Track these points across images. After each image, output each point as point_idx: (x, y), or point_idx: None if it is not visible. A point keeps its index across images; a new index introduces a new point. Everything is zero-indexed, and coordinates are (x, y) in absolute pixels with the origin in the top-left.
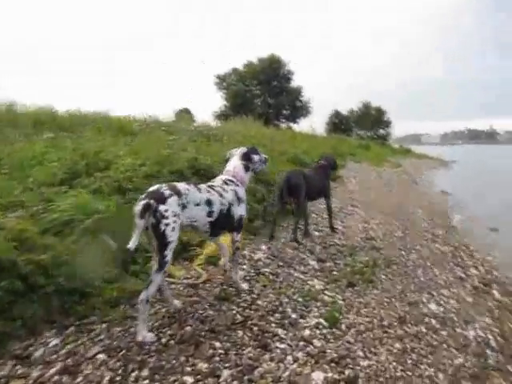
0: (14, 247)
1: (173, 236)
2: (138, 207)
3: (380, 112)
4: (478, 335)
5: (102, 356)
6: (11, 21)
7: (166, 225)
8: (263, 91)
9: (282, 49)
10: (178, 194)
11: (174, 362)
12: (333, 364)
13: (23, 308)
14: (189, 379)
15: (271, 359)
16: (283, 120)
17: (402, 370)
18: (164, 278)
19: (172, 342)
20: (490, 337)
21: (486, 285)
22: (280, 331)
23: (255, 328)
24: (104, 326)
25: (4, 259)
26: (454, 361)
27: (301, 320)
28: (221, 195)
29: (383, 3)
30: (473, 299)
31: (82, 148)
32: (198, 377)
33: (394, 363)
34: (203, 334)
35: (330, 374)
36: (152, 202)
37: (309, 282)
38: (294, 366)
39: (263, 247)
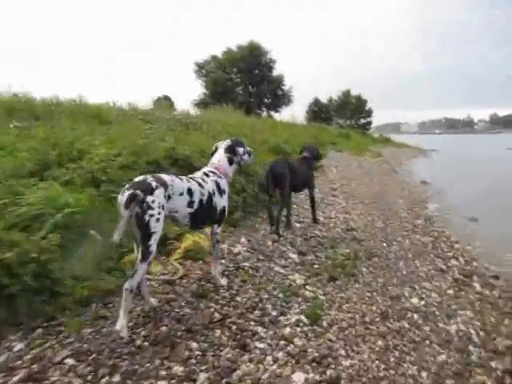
0: None
1: (157, 227)
2: (124, 197)
3: (360, 101)
4: (459, 329)
5: (70, 361)
6: (10, 20)
7: (151, 215)
8: (244, 79)
9: (264, 37)
10: (164, 185)
11: (148, 365)
12: (314, 364)
13: None
14: None
15: (250, 360)
16: (265, 109)
17: (384, 369)
18: (145, 280)
19: (146, 343)
20: (472, 331)
21: (466, 276)
22: (260, 329)
23: (234, 327)
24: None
25: None
26: (437, 358)
27: (281, 317)
28: (200, 185)
29: None
30: (454, 292)
31: (54, 137)
32: (173, 381)
33: (377, 362)
34: (179, 334)
35: (311, 375)
36: (138, 192)
37: (289, 277)
38: (274, 366)
39: (243, 240)
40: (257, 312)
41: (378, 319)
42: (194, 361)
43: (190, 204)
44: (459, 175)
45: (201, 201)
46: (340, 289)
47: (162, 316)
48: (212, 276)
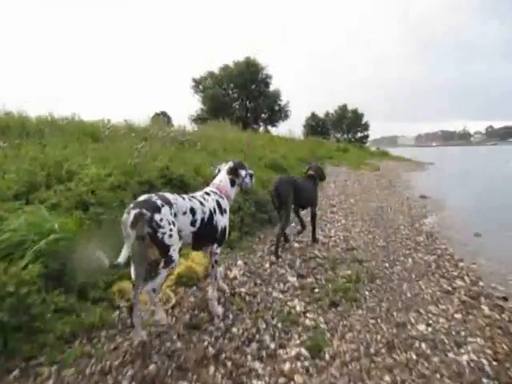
0: None
1: (172, 241)
2: (130, 217)
3: (356, 114)
4: (471, 360)
5: None
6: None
7: (163, 233)
8: (241, 95)
9: (259, 52)
10: (169, 203)
11: None
12: None
13: None
14: None
15: None
16: (262, 124)
17: None
18: (139, 299)
19: None
20: (484, 361)
21: (473, 298)
22: (257, 365)
23: (229, 363)
24: (54, 368)
25: None
26: None
27: (280, 350)
28: (201, 203)
29: (360, 6)
30: (462, 316)
31: (42, 157)
32: None
33: None
34: (170, 372)
35: None
36: (144, 211)
37: (288, 303)
38: None
39: (239, 262)
40: (254, 345)
41: (383, 350)
42: None
43: (193, 223)
44: (459, 189)
45: (202, 219)
46: (342, 315)
47: (151, 352)
48: (209, 299)
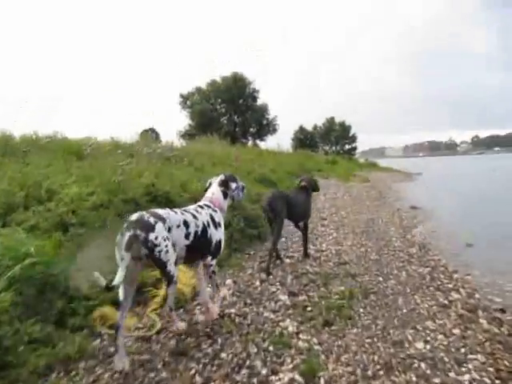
0: None
1: (168, 256)
2: (124, 239)
3: (344, 127)
4: (473, 379)
5: None
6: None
7: (160, 251)
8: (229, 110)
9: (244, 66)
10: (162, 219)
11: None
12: None
13: None
14: None
15: None
16: (250, 138)
17: None
18: (123, 327)
19: None
20: (487, 380)
21: (470, 311)
22: None
23: None
24: None
25: None
26: None
27: (272, 377)
28: (194, 216)
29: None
30: (460, 331)
31: (21, 177)
32: None
33: None
34: None
35: None
36: (139, 232)
37: (280, 324)
38: None
39: (228, 281)
40: (244, 371)
41: (381, 372)
42: None
43: (187, 236)
44: (446, 198)
45: (196, 232)
46: (337, 335)
47: None
48: (216, 300)
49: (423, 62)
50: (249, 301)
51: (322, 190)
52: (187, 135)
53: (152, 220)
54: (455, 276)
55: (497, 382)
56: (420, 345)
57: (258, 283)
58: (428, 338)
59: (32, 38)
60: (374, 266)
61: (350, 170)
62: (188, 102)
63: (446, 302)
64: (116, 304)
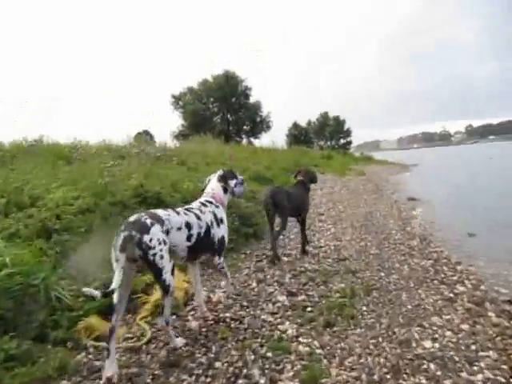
0: None
1: (164, 262)
2: (119, 240)
3: (338, 121)
4: (486, 378)
5: None
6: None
7: (154, 254)
8: (222, 108)
9: (244, 66)
10: (160, 221)
11: None
12: None
13: None
14: None
15: None
16: (244, 136)
17: None
18: (115, 331)
19: None
20: (502, 379)
21: (477, 304)
22: None
23: None
24: None
25: None
26: None
27: None
28: (198, 217)
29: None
30: (469, 326)
31: (2, 183)
32: None
33: None
34: None
35: None
36: (134, 233)
37: (279, 327)
38: None
39: (223, 283)
40: (241, 382)
41: (389, 376)
42: None
43: (189, 238)
44: (444, 188)
45: (199, 234)
46: (339, 337)
47: None
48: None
49: (414, 55)
50: (245, 303)
51: (318, 185)
52: (181, 136)
53: (149, 221)
54: (459, 268)
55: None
56: (428, 343)
57: (254, 284)
58: (436, 336)
59: (32, 38)
60: (374, 261)
61: (346, 164)
62: (180, 103)
63: (451, 295)
64: (102, 313)
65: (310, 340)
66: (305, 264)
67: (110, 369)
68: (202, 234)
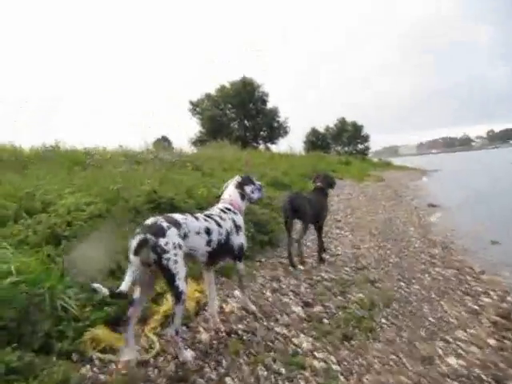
0: None
1: (177, 267)
2: (134, 243)
3: (356, 127)
4: None
5: None
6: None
7: (168, 259)
8: (239, 114)
9: (244, 66)
10: (177, 224)
11: None
12: None
13: None
14: None
15: None
16: (261, 142)
17: None
18: (133, 321)
19: None
20: None
21: (504, 318)
22: None
23: None
24: None
25: None
26: None
27: None
28: (218, 224)
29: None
30: (496, 342)
31: (13, 188)
32: None
33: None
34: None
35: None
36: (149, 236)
37: (293, 340)
38: None
39: (237, 293)
40: None
41: None
42: None
43: (209, 243)
44: (465, 194)
45: (219, 240)
46: (357, 352)
47: None
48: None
49: (431, 56)
50: (259, 314)
51: (335, 191)
52: (198, 142)
53: (165, 225)
54: (483, 277)
55: None
56: (452, 360)
57: (269, 293)
58: (460, 352)
59: (32, 38)
60: (394, 270)
61: (364, 170)
62: (198, 109)
63: (476, 307)
64: (110, 323)
65: (326, 355)
66: (321, 273)
67: (128, 354)
68: (222, 241)
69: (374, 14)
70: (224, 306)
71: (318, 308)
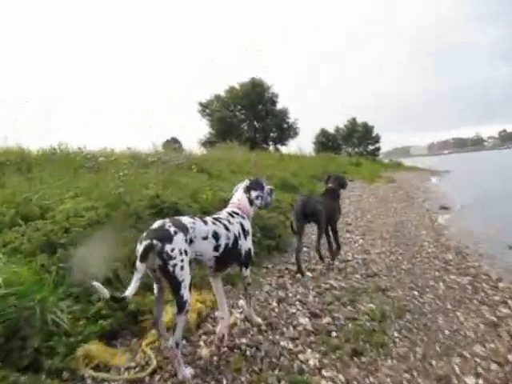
0: None
1: (183, 275)
2: (140, 248)
3: (367, 127)
4: None
5: None
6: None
7: (174, 265)
8: (248, 115)
9: (262, 71)
10: (184, 229)
11: None
12: None
13: None
14: None
15: None
16: (271, 143)
17: None
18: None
19: None
20: None
21: None
22: None
23: None
24: None
25: None
26: None
27: None
28: (226, 228)
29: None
30: None
31: (9, 193)
32: None
33: None
34: None
35: None
36: (155, 241)
37: (300, 356)
38: None
39: (241, 302)
40: None
41: None
42: None
43: (216, 248)
44: (478, 196)
45: (227, 244)
46: (368, 370)
47: None
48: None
49: (441, 57)
50: (263, 326)
51: (346, 193)
52: (208, 143)
53: (172, 230)
54: (501, 285)
55: None
56: (471, 380)
57: (275, 303)
58: (479, 370)
59: (32, 38)
60: (406, 278)
61: (375, 171)
62: (207, 110)
63: (494, 318)
64: (105, 338)
65: (334, 373)
66: (330, 280)
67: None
68: (230, 245)
69: (378, 14)
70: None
71: (326, 319)
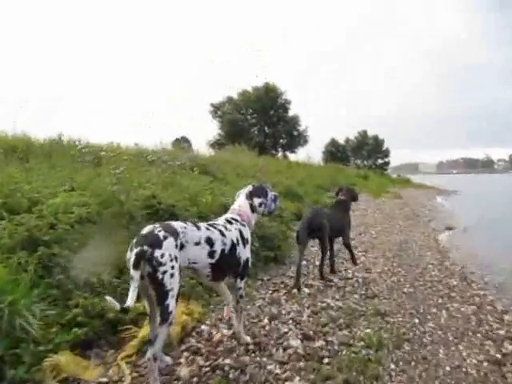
0: None
1: (172, 283)
2: (132, 257)
3: (377, 141)
4: None
5: None
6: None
7: (164, 272)
8: (259, 120)
9: (276, 77)
10: (174, 233)
11: None
12: None
13: None
14: None
15: None
16: (280, 149)
17: None
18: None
19: None
20: None
21: None
22: None
23: None
24: None
25: None
26: None
27: None
28: (222, 234)
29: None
30: None
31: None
32: None
33: None
34: None
35: None
36: (146, 247)
37: (286, 383)
38: None
39: (234, 319)
40: None
41: None
42: None
43: (211, 254)
44: (486, 218)
45: (223, 250)
46: None
47: None
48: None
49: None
50: (251, 346)
51: (351, 206)
52: (217, 144)
53: (161, 234)
54: (506, 318)
55: None
56: None
57: (266, 320)
58: None
59: (32, 38)
60: (407, 302)
61: (383, 185)
62: (219, 112)
63: (499, 356)
64: (77, 347)
65: None
66: (327, 299)
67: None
68: (226, 252)
69: (382, 14)
70: (213, 332)
71: (319, 343)
